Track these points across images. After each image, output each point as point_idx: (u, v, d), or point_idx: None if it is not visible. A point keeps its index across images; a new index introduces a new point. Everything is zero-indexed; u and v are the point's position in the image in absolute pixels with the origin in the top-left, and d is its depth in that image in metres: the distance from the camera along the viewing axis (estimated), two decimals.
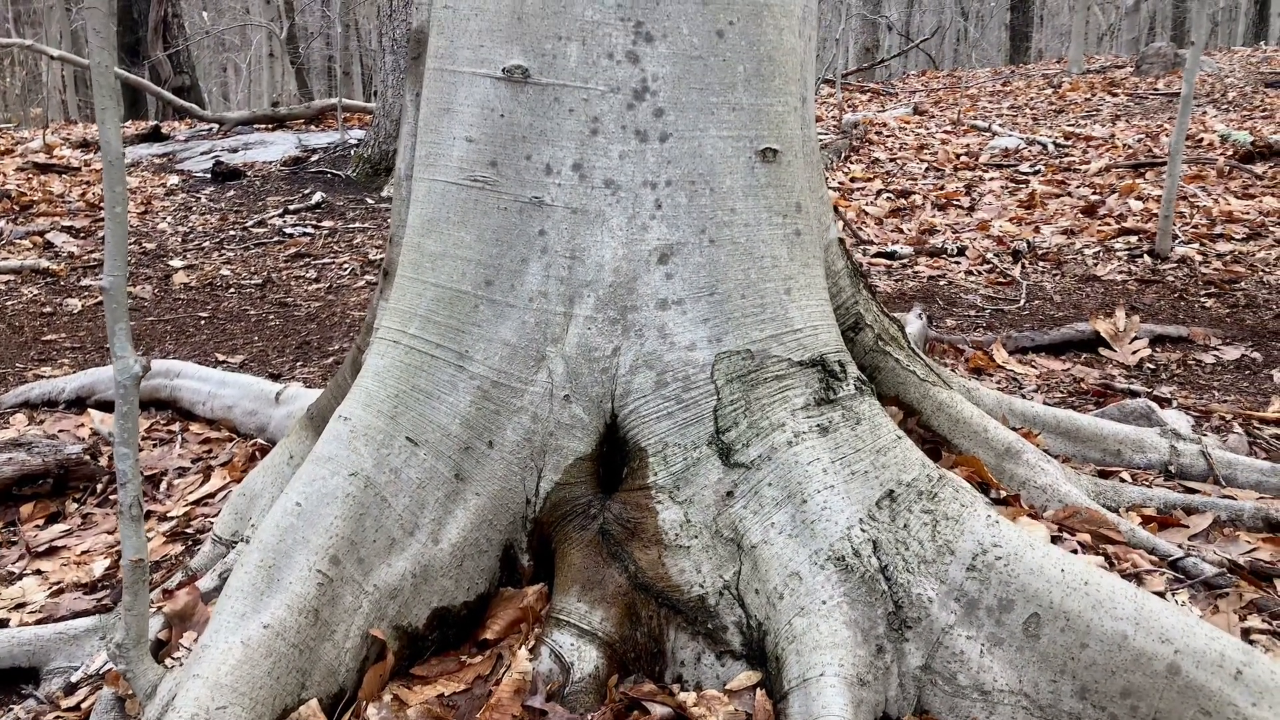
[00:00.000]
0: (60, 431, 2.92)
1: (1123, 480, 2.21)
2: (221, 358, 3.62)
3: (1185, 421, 2.54)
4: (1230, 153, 6.66)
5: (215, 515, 2.31)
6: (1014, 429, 2.24)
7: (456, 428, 1.65)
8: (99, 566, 2.15)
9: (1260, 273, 4.12)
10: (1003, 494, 1.98)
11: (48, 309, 4.46)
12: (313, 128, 9.57)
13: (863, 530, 1.52)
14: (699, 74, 1.62)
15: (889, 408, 2.05)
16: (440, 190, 1.70)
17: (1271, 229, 4.68)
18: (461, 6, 1.67)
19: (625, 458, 1.67)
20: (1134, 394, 2.91)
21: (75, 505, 2.46)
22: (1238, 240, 4.56)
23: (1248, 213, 5.03)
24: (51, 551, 2.25)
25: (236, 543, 1.97)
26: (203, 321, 4.18)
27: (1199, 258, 4.35)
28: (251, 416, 2.76)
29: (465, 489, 1.65)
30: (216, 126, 9.47)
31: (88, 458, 2.54)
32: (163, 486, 2.55)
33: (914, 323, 3.28)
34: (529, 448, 1.67)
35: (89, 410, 3.05)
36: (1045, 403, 2.82)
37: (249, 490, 2.03)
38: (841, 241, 2.11)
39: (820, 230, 2.00)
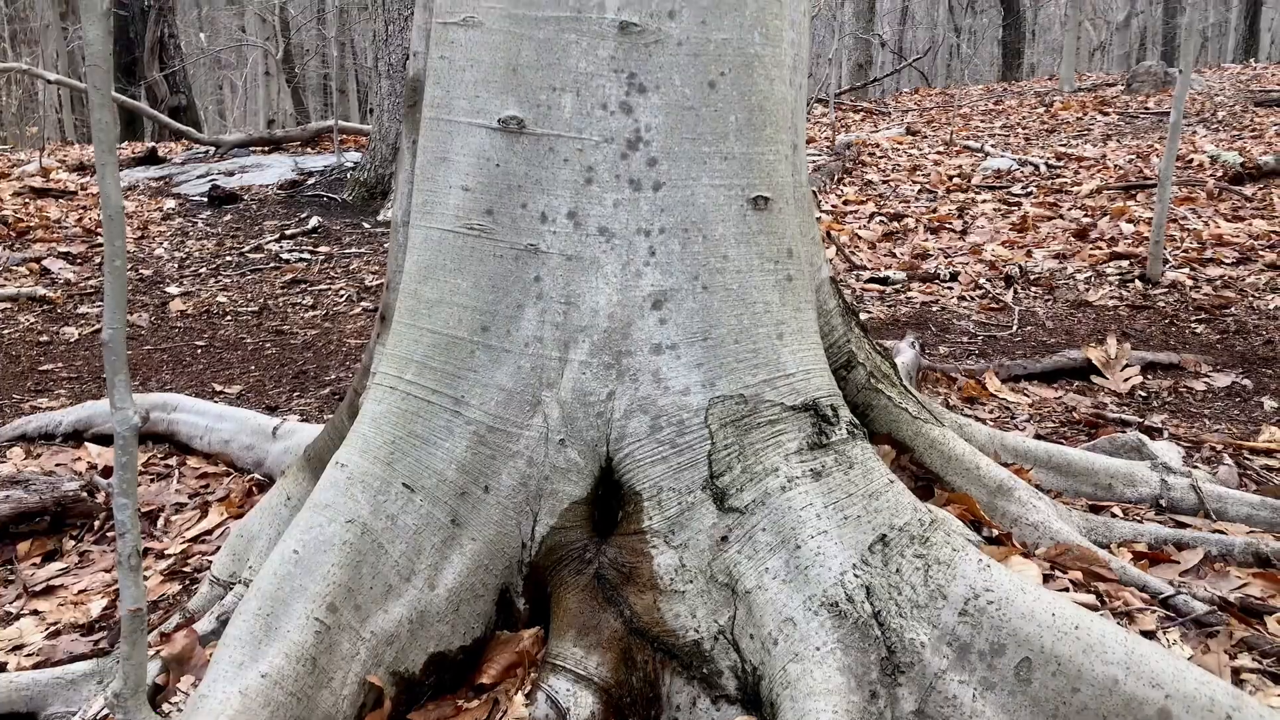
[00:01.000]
0: (57, 466, 2.93)
1: (1114, 515, 2.22)
2: (218, 388, 3.64)
3: (1176, 453, 2.56)
4: (1220, 174, 6.71)
5: (213, 553, 2.32)
6: (1006, 464, 2.26)
7: (453, 473, 1.66)
8: (96, 607, 2.16)
9: (1250, 298, 4.15)
10: (995, 532, 1.99)
11: (44, 338, 4.47)
12: (309, 150, 9.61)
13: (856, 576, 1.54)
14: (691, 124, 1.65)
15: (881, 446, 2.07)
16: (437, 238, 1.72)
17: (1261, 253, 4.72)
18: (457, 58, 1.69)
19: (620, 502, 1.69)
20: (1125, 424, 2.93)
21: (72, 543, 2.47)
22: (1228, 265, 4.60)
23: (1237, 236, 5.07)
24: (49, 591, 2.26)
25: (234, 584, 1.98)
26: (199, 350, 4.19)
27: (1189, 282, 4.38)
28: (249, 451, 2.77)
29: (461, 534, 1.67)
30: (213, 149, 9.50)
31: (85, 495, 2.55)
32: (160, 522, 2.56)
33: (907, 351, 3.30)
34: (524, 492, 1.68)
35: (86, 444, 3.06)
36: (1038, 433, 2.84)
37: (246, 531, 2.04)
38: (833, 280, 2.13)
39: (811, 271, 2.02)
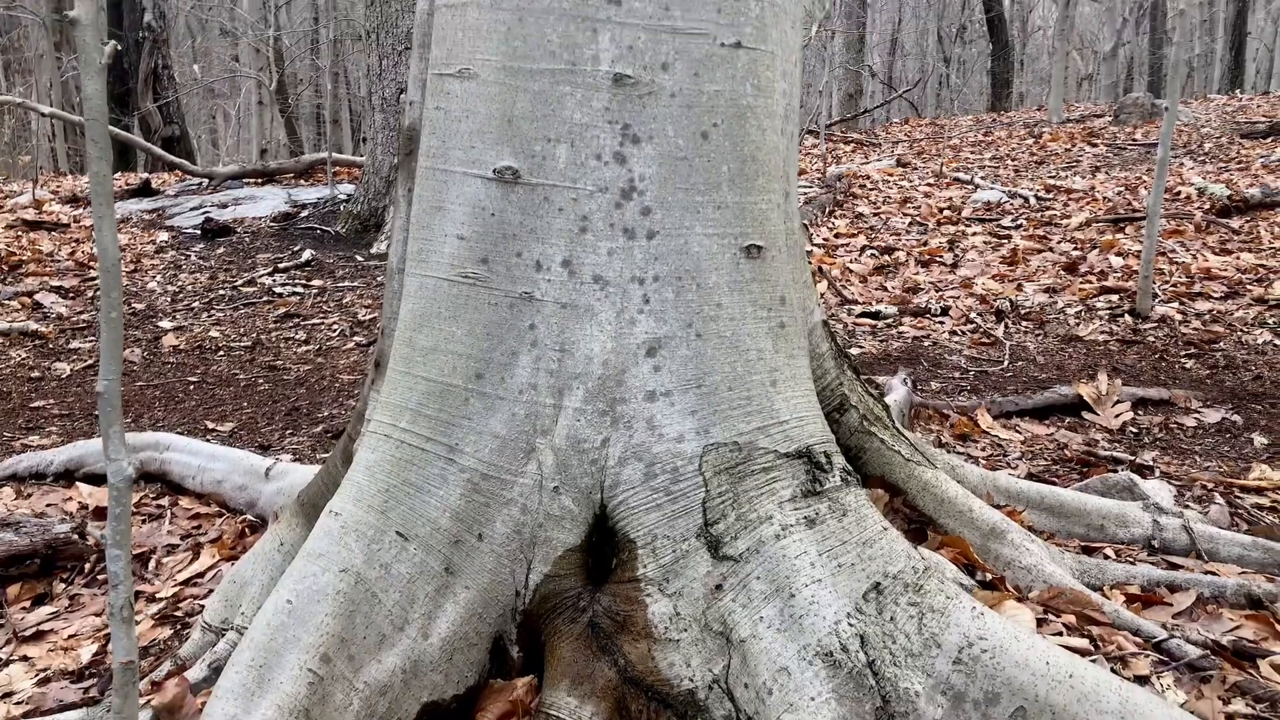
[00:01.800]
0: (48, 506, 2.92)
1: (1107, 556, 2.23)
2: (211, 425, 3.63)
3: (1168, 492, 2.57)
4: (1207, 207, 6.78)
5: (204, 597, 2.31)
6: (999, 506, 2.27)
7: (447, 521, 1.66)
8: (86, 652, 2.15)
9: (1239, 333, 4.19)
10: (988, 576, 2.00)
11: (36, 373, 4.46)
12: (302, 182, 9.64)
13: (850, 625, 1.54)
14: (685, 174, 1.66)
15: (875, 490, 2.08)
16: (432, 286, 1.73)
17: (1249, 287, 4.76)
18: (453, 108, 1.71)
19: (614, 549, 1.69)
20: (1117, 462, 2.94)
21: (63, 586, 2.45)
22: (1216, 299, 4.64)
23: (1225, 270, 5.11)
24: (39, 635, 2.25)
25: (226, 630, 1.97)
26: (192, 386, 4.19)
27: (1179, 317, 4.41)
28: (241, 491, 2.76)
29: (455, 582, 1.67)
30: (206, 181, 9.52)
31: (76, 537, 2.54)
32: (151, 564, 2.55)
33: (899, 389, 3.32)
34: (518, 540, 1.68)
35: (78, 484, 3.05)
36: (1030, 472, 2.85)
37: (239, 577, 2.03)
38: (825, 324, 2.15)
39: (804, 316, 2.04)
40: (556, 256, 1.67)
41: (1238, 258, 5.39)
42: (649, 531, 1.65)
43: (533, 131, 1.65)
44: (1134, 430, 3.31)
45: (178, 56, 21.50)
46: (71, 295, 5.83)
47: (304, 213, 8.01)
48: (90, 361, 4.62)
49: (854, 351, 4.24)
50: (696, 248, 1.68)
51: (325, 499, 1.92)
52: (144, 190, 9.30)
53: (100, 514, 2.82)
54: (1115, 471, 2.84)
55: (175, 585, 2.41)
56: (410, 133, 1.84)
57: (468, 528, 1.67)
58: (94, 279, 5.56)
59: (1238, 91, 17.63)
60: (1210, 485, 2.74)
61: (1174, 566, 2.21)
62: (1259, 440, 3.19)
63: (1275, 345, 4.02)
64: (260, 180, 9.70)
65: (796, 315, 1.80)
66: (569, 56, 1.63)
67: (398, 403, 1.72)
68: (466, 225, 1.70)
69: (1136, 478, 2.52)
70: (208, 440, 3.47)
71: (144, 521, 2.78)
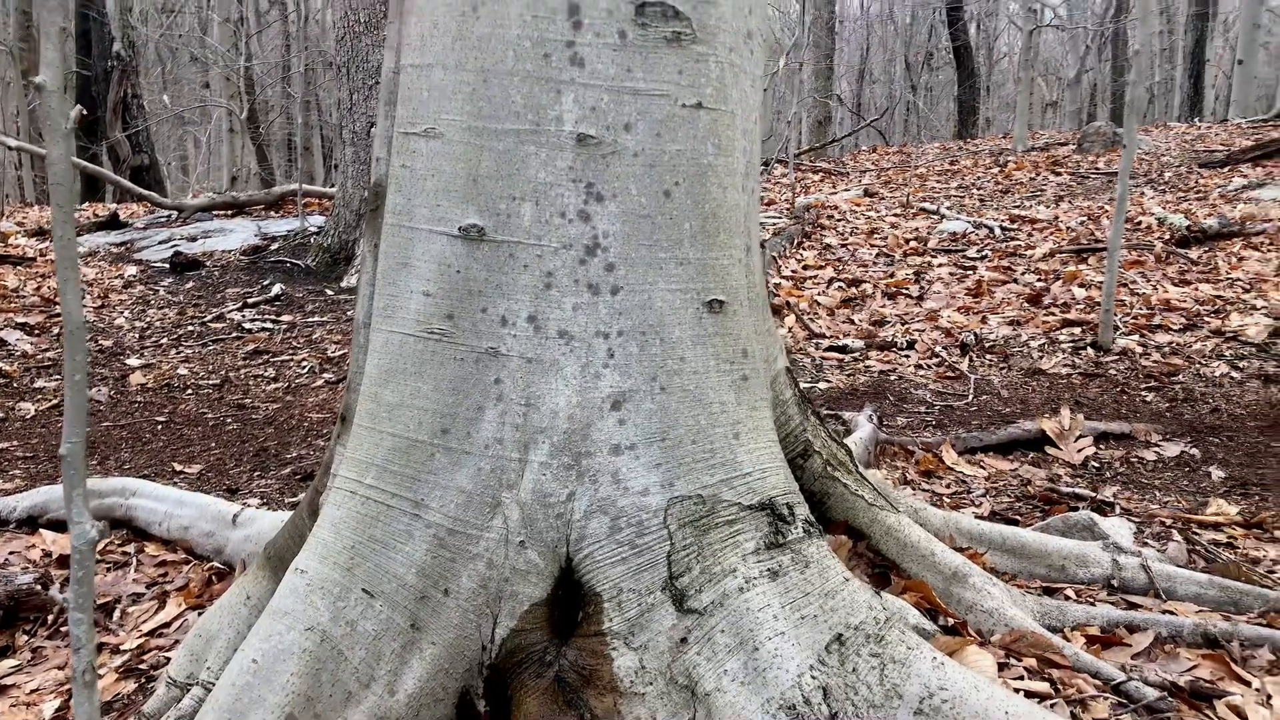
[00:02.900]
0: (11, 554, 2.89)
1: (1068, 597, 2.27)
2: (179, 467, 3.61)
3: (1128, 530, 2.62)
4: (1167, 237, 6.92)
5: (170, 649, 2.29)
6: (961, 548, 2.30)
7: (412, 577, 1.67)
8: (49, 708, 2.12)
9: (1197, 364, 4.27)
10: (951, 620, 2.02)
11: (0, 414, 4.41)
12: (273, 214, 9.62)
13: (813, 677, 1.56)
14: (648, 231, 1.69)
15: (838, 537, 2.11)
16: (398, 342, 1.74)
17: (1207, 319, 4.85)
18: (419, 167, 1.73)
19: (580, 603, 1.70)
20: (1079, 499, 2.99)
21: (25, 638, 2.43)
22: (1175, 331, 4.73)
23: (1184, 301, 5.22)
24: (1, 690, 2.22)
25: (191, 685, 1.96)
26: (159, 427, 4.16)
27: (1139, 349, 4.49)
28: (209, 538, 2.75)
29: (421, 638, 1.67)
30: (176, 213, 9.48)
31: (39, 588, 2.51)
32: (116, 615, 2.52)
33: (865, 426, 3.36)
34: (485, 594, 1.69)
35: (41, 531, 3.02)
36: (993, 509, 2.89)
37: (205, 631, 2.02)
38: (789, 370, 2.18)
39: (767, 365, 2.07)
40: (522, 312, 1.69)
41: (1196, 288, 5.50)
42: (614, 585, 1.67)
43: (498, 190, 1.68)
44: (1096, 465, 3.36)
45: (147, 84, 21.41)
46: (37, 332, 5.78)
47: (274, 245, 7.99)
48: (55, 401, 4.58)
49: (822, 386, 4.28)
50: (660, 303, 1.71)
51: (292, 551, 1.93)
52: (112, 223, 9.24)
53: (64, 562, 2.79)
54: (1077, 509, 2.89)
55: (140, 636, 2.39)
56: (377, 189, 1.86)
57: (434, 583, 1.68)
58: (60, 315, 5.52)
59: (1196, 121, 17.99)
60: (1168, 521, 2.79)
61: (1133, 606, 2.25)
62: (1216, 474, 3.25)
63: (1232, 378, 4.10)
64: (230, 212, 9.67)
65: (759, 366, 1.83)
66: (533, 117, 1.66)
67: (363, 458, 1.73)
68: (432, 282, 1.72)
69: (1096, 517, 2.57)
70: (175, 483, 3.46)
71: (109, 569, 2.76)
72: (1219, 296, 5.26)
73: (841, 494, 2.17)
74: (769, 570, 1.65)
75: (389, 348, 1.75)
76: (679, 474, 1.69)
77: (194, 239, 8.40)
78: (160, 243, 8.34)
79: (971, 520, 2.39)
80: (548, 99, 1.66)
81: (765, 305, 2.08)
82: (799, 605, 1.62)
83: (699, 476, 1.69)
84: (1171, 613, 2.20)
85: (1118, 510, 2.89)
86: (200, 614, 2.35)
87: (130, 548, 2.87)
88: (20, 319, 5.95)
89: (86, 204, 13.62)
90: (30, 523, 3.10)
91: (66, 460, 1.49)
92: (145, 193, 9.81)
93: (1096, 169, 11.08)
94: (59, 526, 3.01)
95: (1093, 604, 2.22)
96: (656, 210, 1.69)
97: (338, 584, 1.65)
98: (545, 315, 1.69)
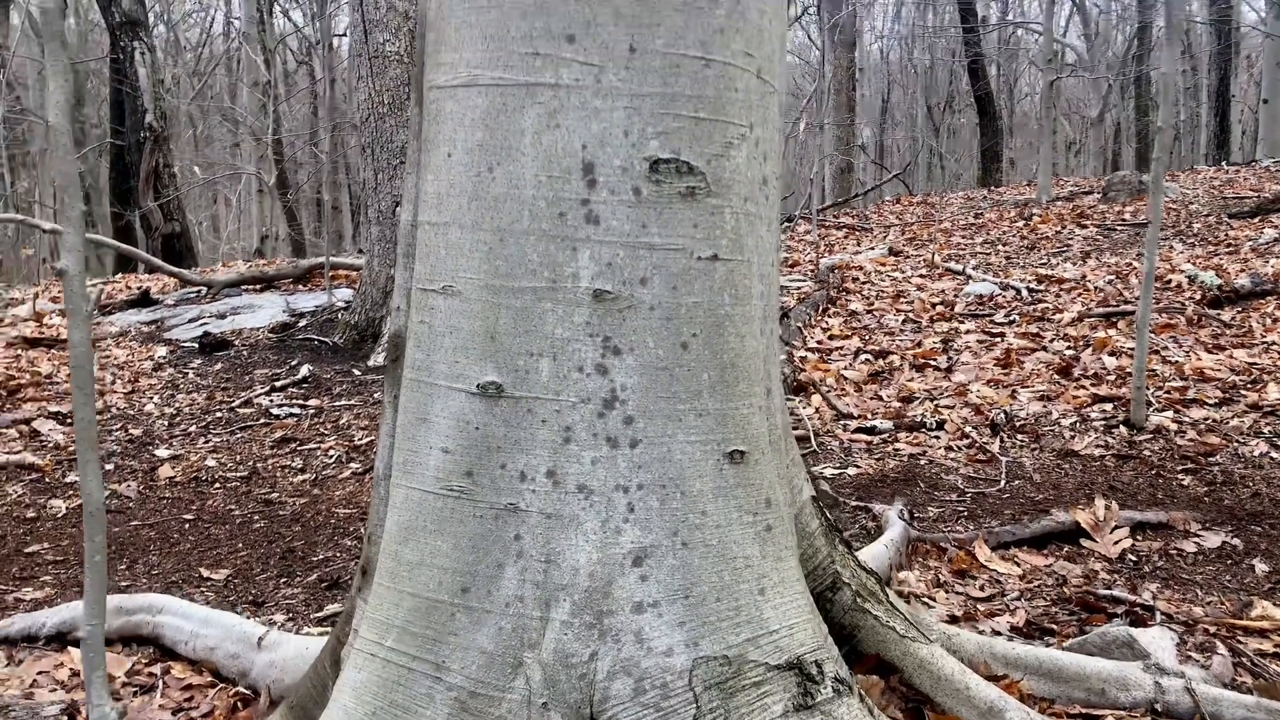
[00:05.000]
0: (39, 674, 2.89)
1: None
2: (205, 573, 3.61)
3: (1170, 643, 2.54)
4: (1199, 296, 6.83)
5: None
6: (997, 675, 2.24)
7: None
8: None
9: (1235, 443, 4.18)
10: None
11: (31, 512, 4.45)
12: (301, 287, 9.73)
13: None
14: (666, 383, 1.68)
15: (870, 676, 2.06)
16: (418, 499, 1.73)
17: (1243, 391, 4.77)
18: (437, 323, 1.73)
19: None
20: (1117, 600, 2.91)
21: None
22: (1210, 405, 4.64)
23: (1219, 369, 5.13)
24: None
25: None
26: (187, 526, 4.17)
27: (1174, 426, 4.41)
28: (234, 660, 2.73)
29: None
30: (205, 289, 9.62)
31: (65, 719, 2.50)
32: None
33: (896, 524, 3.31)
34: None
35: (69, 649, 3.02)
36: (1029, 617, 2.82)
37: None
38: (815, 500, 2.15)
39: (793, 496, 2.04)
40: (541, 467, 1.68)
41: (1231, 355, 5.41)
42: None
43: (516, 346, 1.68)
44: (1133, 558, 3.28)
45: (178, 149, 21.86)
46: (69, 421, 5.84)
47: (302, 322, 8.07)
48: None
49: (851, 472, 4.23)
50: (680, 455, 1.69)
51: (314, 701, 1.91)
52: (144, 300, 9.38)
53: None
54: (1115, 615, 2.81)
55: None
56: (396, 339, 1.86)
57: None
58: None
59: (1224, 164, 17.87)
60: (1212, 629, 2.71)
61: None
62: (1260, 567, 3.17)
63: (1272, 458, 4.01)
64: (259, 286, 9.79)
65: (783, 513, 1.80)
66: (550, 274, 1.66)
67: (384, 619, 1.71)
68: (451, 438, 1.71)
69: (1135, 631, 2.49)
70: (202, 590, 3.46)
71: (135, 694, 2.74)
72: (1254, 364, 5.17)
73: (872, 626, 2.13)
74: None
75: (409, 504, 1.74)
76: (703, 633, 1.66)
77: (223, 315, 8.51)
78: (190, 320, 8.45)
79: (1005, 644, 2.33)
80: (564, 256, 1.66)
81: (789, 438, 2.05)
82: None
83: (724, 636, 1.66)
84: None
85: (1158, 616, 2.81)
86: None
87: (157, 668, 2.86)
88: (53, 407, 6.02)
89: (120, 275, 13.87)
90: (59, 639, 3.10)
91: (85, 644, 1.49)
92: (174, 270, 9.98)
93: (1123, 220, 11.01)
94: None
95: None
96: (674, 362, 1.68)
97: None
98: (564, 470, 1.68)
